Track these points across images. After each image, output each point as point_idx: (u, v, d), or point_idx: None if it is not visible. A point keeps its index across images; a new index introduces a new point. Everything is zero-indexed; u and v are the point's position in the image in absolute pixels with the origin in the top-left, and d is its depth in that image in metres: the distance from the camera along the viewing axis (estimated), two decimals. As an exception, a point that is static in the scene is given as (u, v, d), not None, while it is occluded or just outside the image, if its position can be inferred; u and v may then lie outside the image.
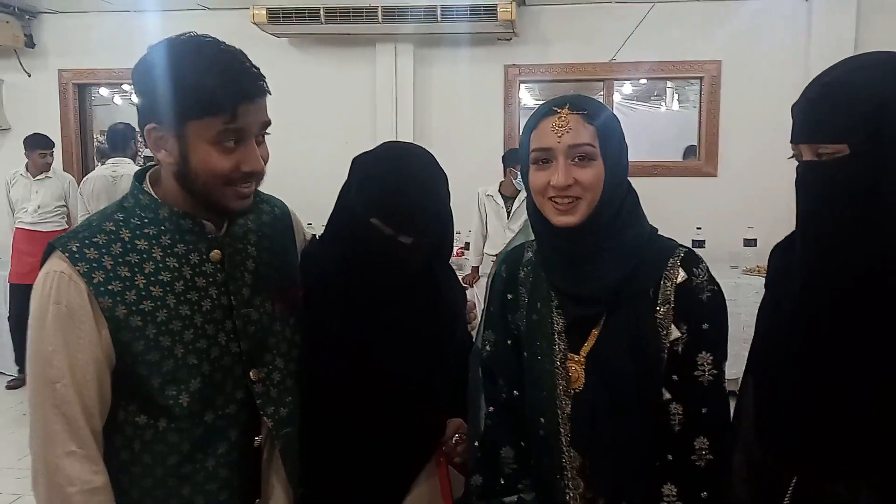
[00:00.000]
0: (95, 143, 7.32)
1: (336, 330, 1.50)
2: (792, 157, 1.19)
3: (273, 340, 1.44)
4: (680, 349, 1.34)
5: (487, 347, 1.56)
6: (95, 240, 1.27)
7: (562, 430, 1.41)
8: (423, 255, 1.48)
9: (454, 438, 1.62)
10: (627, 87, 7.92)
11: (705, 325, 1.34)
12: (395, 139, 5.93)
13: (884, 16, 5.64)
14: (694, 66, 6.04)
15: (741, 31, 5.82)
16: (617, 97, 7.09)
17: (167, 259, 1.31)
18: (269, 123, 1.31)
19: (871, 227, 1.08)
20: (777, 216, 5.58)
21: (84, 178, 5.29)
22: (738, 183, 5.79)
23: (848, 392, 1.12)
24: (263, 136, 1.32)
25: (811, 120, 1.12)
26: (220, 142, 1.24)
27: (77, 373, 1.23)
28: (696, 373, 1.33)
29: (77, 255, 1.24)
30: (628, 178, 1.41)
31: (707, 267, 1.38)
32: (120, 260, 1.27)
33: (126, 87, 8.50)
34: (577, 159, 1.33)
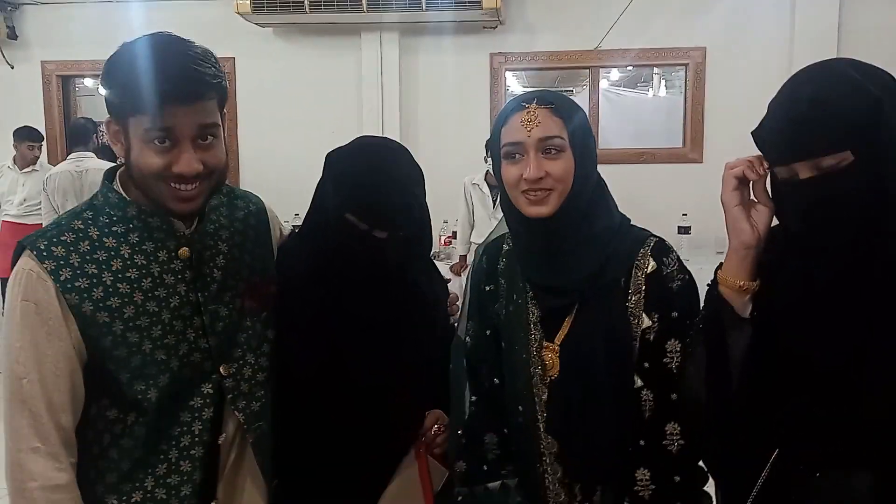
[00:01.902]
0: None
1: (308, 324, 1.52)
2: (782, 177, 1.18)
3: (243, 336, 1.46)
4: (651, 337, 1.37)
5: (468, 338, 1.58)
6: (63, 238, 1.29)
7: (539, 417, 1.44)
8: (398, 249, 1.49)
9: (433, 429, 1.64)
10: (614, 74, 7.93)
11: (675, 314, 1.36)
12: (379, 129, 5.88)
13: (864, 2, 5.68)
14: (679, 53, 6.07)
15: (726, 18, 5.86)
16: (604, 83, 7.12)
17: (135, 256, 1.32)
18: (212, 125, 1.30)
19: (884, 227, 1.10)
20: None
21: (47, 175, 5.22)
22: (723, 169, 5.78)
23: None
24: (209, 137, 1.30)
25: (810, 135, 1.11)
26: (151, 139, 1.25)
27: (44, 369, 1.25)
28: (665, 360, 1.36)
29: (45, 254, 1.26)
30: (597, 170, 1.44)
31: (678, 256, 1.41)
32: (87, 257, 1.29)
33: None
34: (547, 152, 1.35)
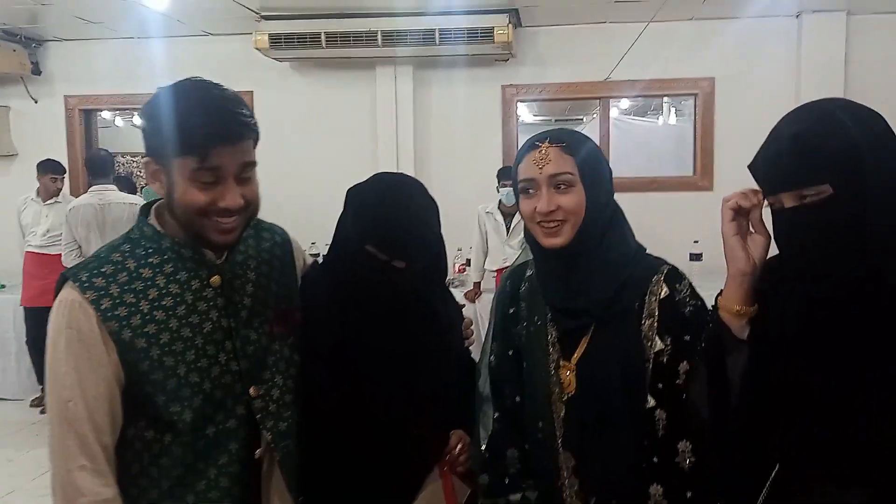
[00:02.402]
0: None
1: (330, 354, 1.60)
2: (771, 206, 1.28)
3: (272, 359, 1.54)
4: (664, 360, 1.45)
5: (492, 358, 1.67)
6: (103, 270, 1.39)
7: (557, 434, 1.52)
8: (416, 278, 1.58)
9: (457, 449, 1.71)
10: (624, 102, 8.05)
11: (687, 337, 1.44)
12: (394, 159, 5.99)
13: (872, 32, 5.80)
14: (688, 83, 6.20)
15: (734, 49, 5.99)
16: (614, 112, 7.24)
17: (170, 286, 1.42)
18: (251, 164, 1.40)
19: (862, 255, 1.18)
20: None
21: (70, 206, 5.32)
22: (732, 198, 5.87)
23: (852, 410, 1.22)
24: (248, 174, 1.41)
25: (791, 168, 1.21)
26: (196, 179, 1.34)
27: (87, 392, 1.33)
28: (677, 381, 1.44)
29: (86, 285, 1.36)
30: (614, 200, 1.53)
31: (690, 283, 1.49)
32: (126, 287, 1.38)
33: (129, 110, 8.71)
34: (558, 187, 1.46)
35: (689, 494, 1.41)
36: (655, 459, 1.43)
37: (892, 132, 1.22)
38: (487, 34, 5.62)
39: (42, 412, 5.71)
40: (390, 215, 1.53)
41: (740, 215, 1.33)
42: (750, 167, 1.29)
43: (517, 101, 6.45)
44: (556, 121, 10.80)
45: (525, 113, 8.15)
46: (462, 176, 6.13)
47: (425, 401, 1.65)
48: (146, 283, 1.40)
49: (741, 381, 1.32)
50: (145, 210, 1.49)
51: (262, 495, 1.53)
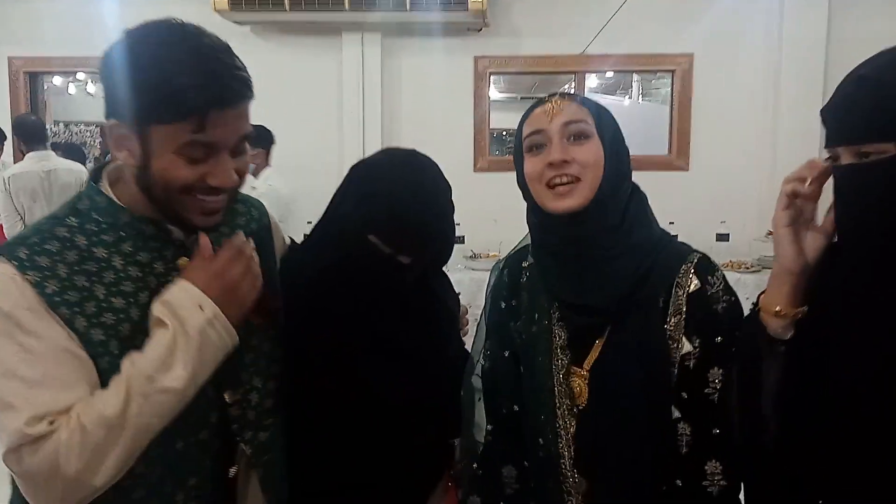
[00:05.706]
0: (51, 136, 7.02)
1: (319, 350, 1.36)
2: (827, 159, 1.07)
3: (250, 357, 1.29)
4: (691, 364, 1.23)
5: (483, 360, 1.44)
6: (47, 246, 1.12)
7: (565, 452, 1.29)
8: (419, 271, 1.36)
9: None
10: (592, 80, 7.86)
11: (719, 339, 1.22)
12: (360, 130, 5.66)
13: (855, 11, 5.67)
14: (666, 59, 6.02)
15: (714, 25, 5.80)
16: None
17: (129, 268, 1.16)
18: (249, 135, 1.16)
19: None
20: (749, 210, 5.60)
21: (9, 174, 4.99)
22: (709, 177, 5.76)
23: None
24: (243, 147, 1.17)
25: (851, 119, 1.00)
26: (187, 152, 1.09)
27: None
28: (706, 390, 1.22)
29: (27, 264, 1.09)
30: (632, 177, 1.32)
31: (723, 274, 1.27)
32: (76, 268, 1.12)
33: (81, 75, 8.30)
34: (572, 138, 1.25)
35: None
36: (679, 482, 1.22)
37: None
38: (461, 1, 5.39)
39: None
40: (404, 206, 1.29)
41: (804, 200, 1.10)
42: (821, 112, 1.07)
43: (490, 73, 6.22)
44: (521, 98, 10.53)
45: (493, 91, 7.89)
46: (432, 149, 5.82)
47: (429, 401, 1.42)
48: (100, 264, 1.14)
49: (775, 389, 1.11)
50: (96, 175, 1.22)
51: None
